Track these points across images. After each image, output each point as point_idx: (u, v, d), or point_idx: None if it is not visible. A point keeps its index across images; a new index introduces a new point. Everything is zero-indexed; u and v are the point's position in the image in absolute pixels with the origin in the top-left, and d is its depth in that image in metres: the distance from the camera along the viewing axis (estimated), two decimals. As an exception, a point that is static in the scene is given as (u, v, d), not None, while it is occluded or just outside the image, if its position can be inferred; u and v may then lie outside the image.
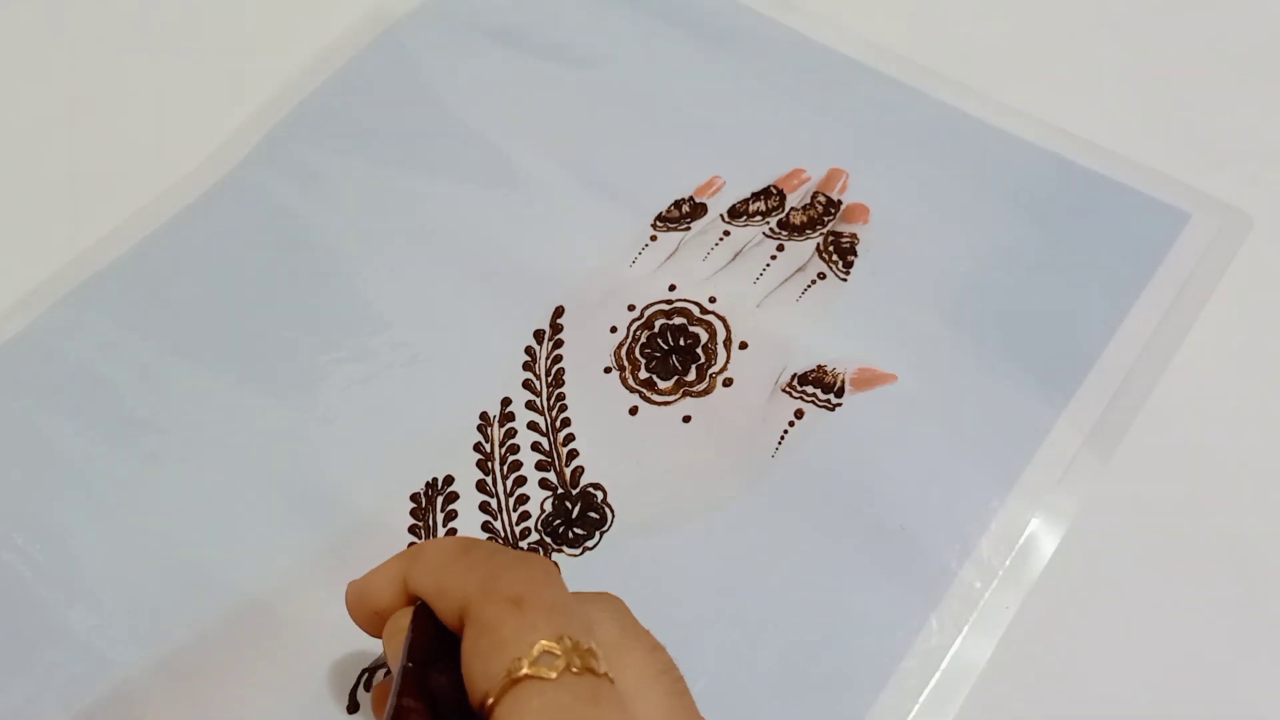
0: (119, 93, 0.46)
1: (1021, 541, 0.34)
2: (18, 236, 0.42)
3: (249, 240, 0.41)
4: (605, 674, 0.22)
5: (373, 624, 0.27)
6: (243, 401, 0.38)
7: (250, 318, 0.39)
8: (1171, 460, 0.36)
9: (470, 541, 0.26)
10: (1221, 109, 0.45)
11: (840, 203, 0.42)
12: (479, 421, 0.37)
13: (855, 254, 0.40)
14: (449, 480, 0.36)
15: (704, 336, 0.38)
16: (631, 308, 0.39)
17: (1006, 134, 0.43)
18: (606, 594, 0.26)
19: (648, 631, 0.25)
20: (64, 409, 0.37)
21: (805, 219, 0.41)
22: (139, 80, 0.47)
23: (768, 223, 0.41)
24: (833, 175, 0.42)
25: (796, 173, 0.42)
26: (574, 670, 0.21)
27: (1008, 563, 0.34)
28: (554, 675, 0.21)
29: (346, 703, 0.32)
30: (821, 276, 0.40)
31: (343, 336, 0.39)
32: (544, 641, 0.22)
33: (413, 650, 0.23)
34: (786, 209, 0.42)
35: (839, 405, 0.37)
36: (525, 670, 0.21)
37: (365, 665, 0.33)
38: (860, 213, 0.41)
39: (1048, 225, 0.41)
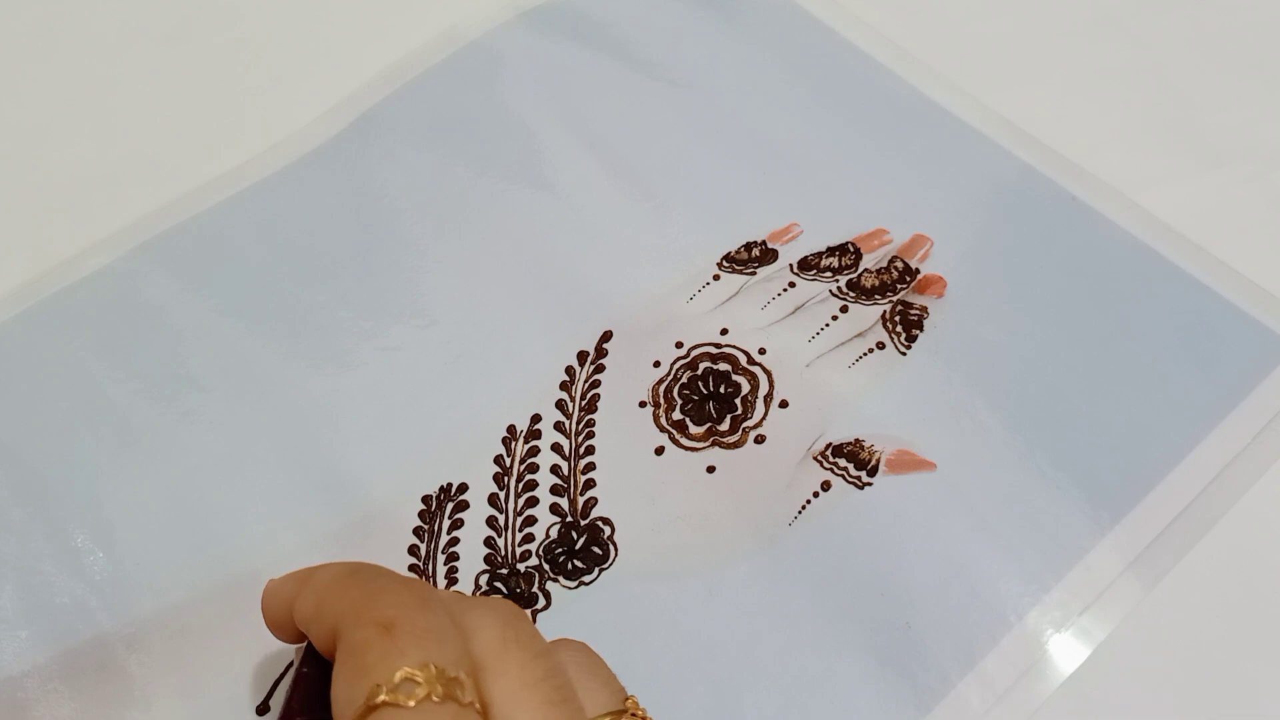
0: (210, 70, 0.48)
1: (1032, 665, 0.32)
2: (107, 181, 0.44)
3: (326, 216, 0.42)
4: (470, 702, 0.21)
5: (281, 632, 0.27)
6: (284, 374, 0.38)
7: (310, 292, 0.40)
8: (1217, 609, 0.33)
9: (359, 566, 0.26)
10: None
11: (918, 271, 0.40)
12: (505, 434, 0.37)
13: (921, 328, 0.38)
14: (463, 488, 0.36)
15: (745, 387, 0.37)
16: (679, 345, 0.38)
17: (1111, 223, 0.41)
18: (496, 599, 0.25)
19: (536, 635, 0.25)
20: (120, 352, 0.39)
21: (877, 283, 0.40)
22: (224, 68, 0.48)
23: (837, 280, 0.40)
24: (916, 242, 0.41)
25: (878, 233, 0.41)
26: (435, 699, 0.21)
27: (1012, 684, 0.32)
28: (412, 704, 0.21)
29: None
30: (880, 346, 0.38)
31: (392, 324, 0.39)
32: (407, 669, 0.21)
33: (291, 699, 0.23)
34: (859, 269, 0.40)
35: (869, 485, 0.35)
36: (383, 697, 0.21)
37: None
38: (937, 285, 0.39)
39: (1135, 329, 0.38)
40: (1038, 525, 0.34)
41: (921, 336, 0.38)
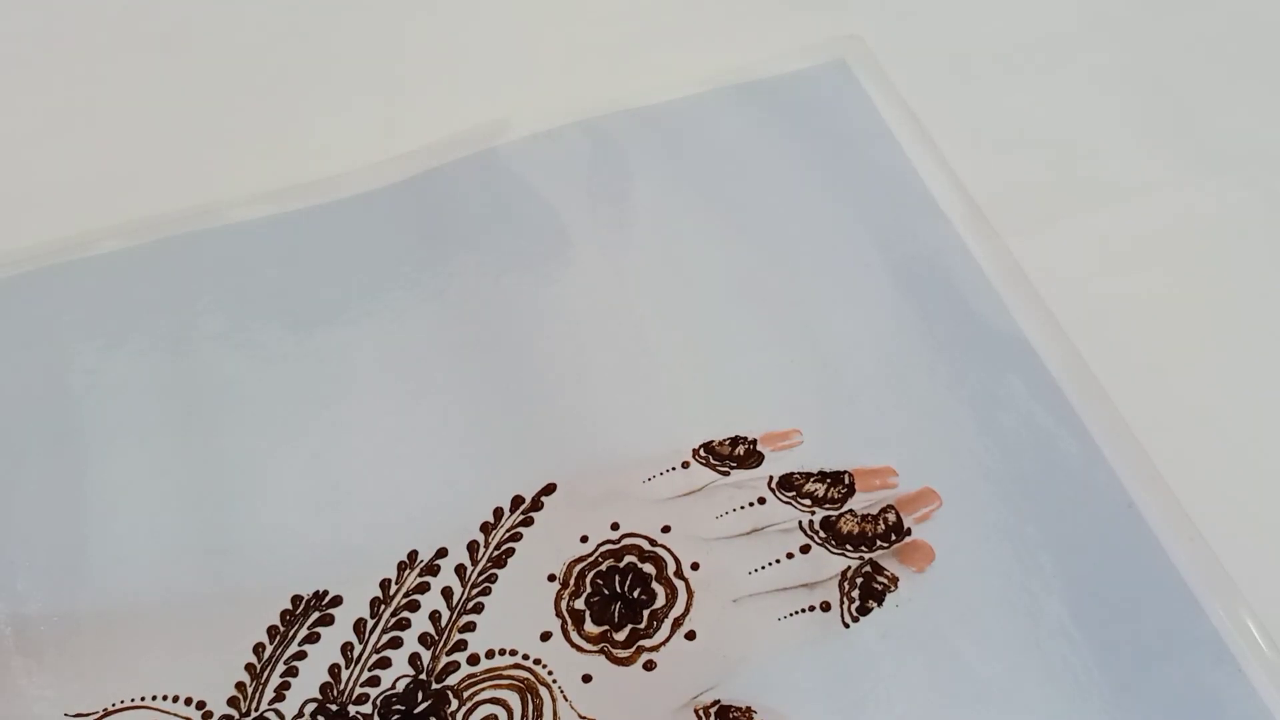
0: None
1: None
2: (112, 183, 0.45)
3: (328, 269, 0.41)
4: None
5: None
6: (239, 417, 0.37)
7: (288, 343, 0.39)
8: None
9: None
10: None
11: (909, 532, 0.34)
12: (403, 558, 0.34)
13: (880, 603, 0.33)
14: (335, 601, 0.34)
15: (660, 601, 0.33)
16: (615, 527, 0.35)
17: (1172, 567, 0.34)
18: None
19: None
20: (114, 339, 0.39)
21: (856, 530, 0.35)
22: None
23: (813, 513, 0.35)
24: (924, 496, 0.35)
25: (884, 473, 0.36)
26: None
27: None
28: None
29: None
30: (825, 607, 0.33)
31: (358, 396, 0.38)
32: None
33: None
34: (844, 508, 0.35)
35: (738, 765, 0.31)
36: None
37: None
38: (921, 557, 0.34)
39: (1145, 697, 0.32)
40: None
41: (877, 611, 0.33)
